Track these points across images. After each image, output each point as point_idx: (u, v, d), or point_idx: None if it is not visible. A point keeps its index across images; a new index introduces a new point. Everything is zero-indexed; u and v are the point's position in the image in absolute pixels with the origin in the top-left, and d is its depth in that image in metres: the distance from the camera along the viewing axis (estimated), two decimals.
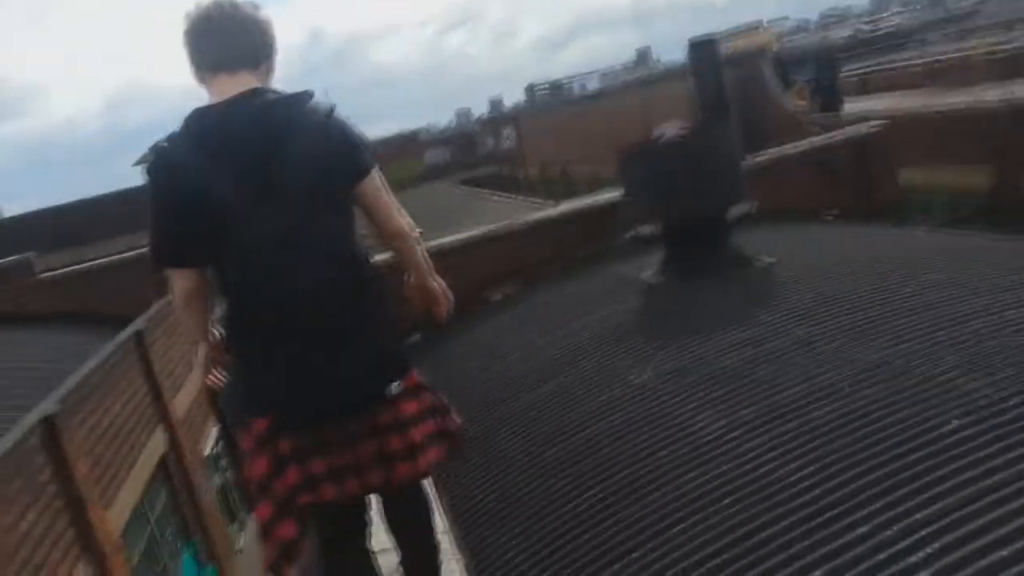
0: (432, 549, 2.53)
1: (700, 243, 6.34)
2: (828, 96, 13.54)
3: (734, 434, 3.87)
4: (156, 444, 7.30)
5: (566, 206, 9.07)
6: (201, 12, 2.11)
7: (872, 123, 8.87)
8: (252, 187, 1.96)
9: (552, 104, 48.63)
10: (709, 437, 3.93)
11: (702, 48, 14.57)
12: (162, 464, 7.38)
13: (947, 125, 10.26)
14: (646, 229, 6.67)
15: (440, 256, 8.24)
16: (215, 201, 1.95)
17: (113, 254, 11.79)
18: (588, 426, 4.52)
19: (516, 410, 5.18)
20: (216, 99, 2.07)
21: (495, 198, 21.66)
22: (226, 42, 2.08)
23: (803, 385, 4.08)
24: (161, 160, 2.04)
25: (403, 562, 2.52)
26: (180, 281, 2.12)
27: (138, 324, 7.78)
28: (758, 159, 8.08)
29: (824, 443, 3.55)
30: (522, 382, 5.54)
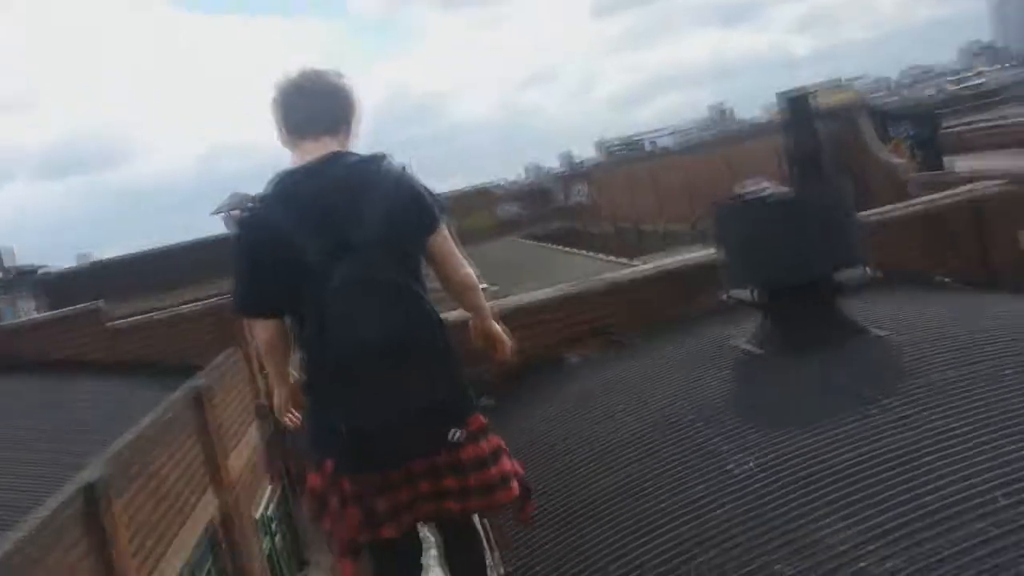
0: None
1: (805, 310, 5.66)
2: (928, 153, 12.67)
3: (869, 548, 3.18)
4: (205, 508, 6.88)
5: (649, 265, 8.46)
6: (290, 81, 2.31)
7: (991, 183, 8.06)
8: (331, 243, 2.09)
9: (626, 159, 48.15)
10: (836, 550, 3.24)
11: (795, 101, 13.98)
12: (210, 529, 6.94)
13: None
14: (742, 292, 6.01)
15: (516, 315, 7.75)
16: (297, 256, 2.10)
17: (184, 303, 11.68)
18: (680, 522, 3.87)
19: (595, 495, 4.56)
20: (300, 161, 2.26)
21: (568, 254, 21.16)
22: (311, 110, 2.27)
23: (945, 491, 3.37)
24: (251, 218, 2.22)
25: None
26: (261, 330, 2.31)
27: (196, 380, 7.44)
28: (865, 217, 7.35)
29: (983, 569, 2.85)
30: (601, 461, 4.92)
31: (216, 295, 11.96)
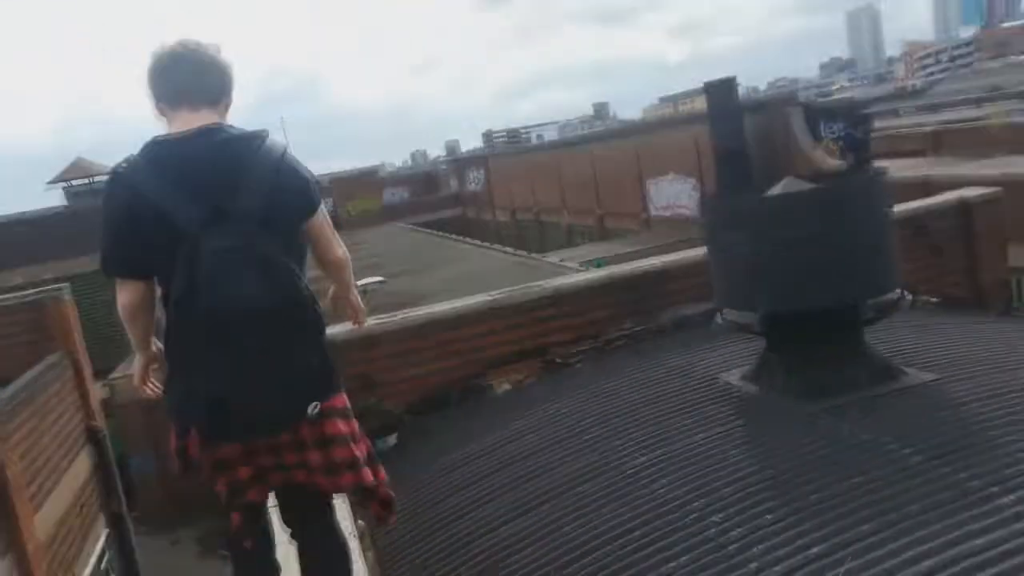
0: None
1: (824, 341, 4.34)
2: (860, 155, 11.91)
3: None
4: None
5: (596, 272, 7.00)
6: (168, 51, 2.30)
7: (980, 189, 7.10)
8: (205, 212, 2.11)
9: (523, 148, 46.51)
10: None
11: (720, 89, 12.92)
12: None
13: None
14: (740, 314, 4.63)
15: (428, 329, 6.09)
16: (168, 221, 2.10)
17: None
18: None
19: None
20: (176, 131, 2.25)
21: (468, 245, 19.52)
22: (190, 80, 2.27)
23: None
24: (119, 180, 2.20)
25: None
26: (127, 292, 2.29)
27: None
28: None
29: None
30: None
31: (39, 284, 9.66)
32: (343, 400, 2.40)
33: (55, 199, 24.62)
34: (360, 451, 2.41)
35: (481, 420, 5.38)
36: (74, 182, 23.54)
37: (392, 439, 5.59)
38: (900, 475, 3.29)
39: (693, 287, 6.11)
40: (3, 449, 5.23)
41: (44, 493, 6.00)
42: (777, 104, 12.92)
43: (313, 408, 2.22)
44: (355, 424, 2.44)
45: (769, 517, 3.23)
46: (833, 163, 11.59)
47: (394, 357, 5.76)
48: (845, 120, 12.15)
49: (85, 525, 6.81)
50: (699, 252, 6.77)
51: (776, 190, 4.37)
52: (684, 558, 3.14)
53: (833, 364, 4.30)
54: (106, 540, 7.37)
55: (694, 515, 3.39)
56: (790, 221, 4.18)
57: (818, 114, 12.26)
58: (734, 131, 12.65)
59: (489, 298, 6.03)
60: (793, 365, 4.40)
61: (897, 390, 4.16)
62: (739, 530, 3.19)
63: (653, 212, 18.32)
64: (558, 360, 5.94)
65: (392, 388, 5.74)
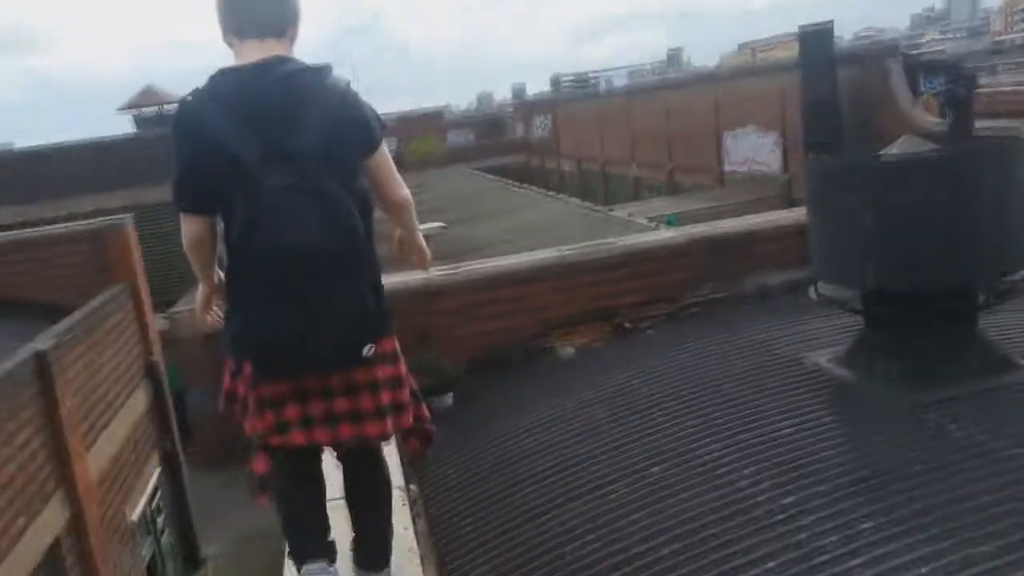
0: (385, 525, 2.54)
1: (932, 325, 3.89)
2: (960, 114, 11.01)
3: None
4: (45, 525, 4.87)
5: (674, 231, 6.57)
6: None
7: None
8: (267, 147, 2.09)
9: (592, 94, 45.18)
10: None
11: (814, 38, 12.06)
12: (53, 553, 4.95)
13: None
14: (837, 290, 4.19)
15: (491, 285, 5.80)
16: (230, 157, 2.09)
17: (62, 219, 9.33)
18: None
19: None
20: (242, 62, 2.22)
21: (531, 193, 19.07)
22: (258, 11, 2.25)
23: None
24: (184, 112, 2.19)
25: (355, 537, 2.52)
26: (190, 226, 2.28)
27: (41, 341, 5.28)
28: None
29: None
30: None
31: (106, 212, 9.65)
32: (394, 343, 2.41)
33: (125, 126, 24.96)
34: (407, 394, 2.43)
35: (544, 385, 5.10)
36: (144, 109, 23.80)
37: (448, 398, 5.36)
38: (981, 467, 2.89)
39: (779, 252, 5.68)
40: (58, 385, 5.16)
41: (98, 429, 5.96)
42: (875, 56, 11.99)
43: (368, 350, 2.22)
44: (403, 365, 2.45)
45: (867, 526, 2.88)
46: (932, 120, 10.74)
47: (455, 312, 5.49)
48: (947, 75, 11.24)
49: (139, 462, 6.81)
50: (787, 214, 6.30)
51: (893, 149, 3.87)
52: (769, 564, 2.82)
53: (942, 351, 3.86)
54: (158, 478, 7.39)
55: (781, 515, 3.05)
56: (911, 187, 3.70)
57: (918, 68, 11.36)
58: (827, 83, 11.81)
59: (558, 254, 5.68)
60: (896, 350, 3.97)
61: (1014, 385, 3.71)
62: (833, 538, 2.85)
63: (728, 167, 17.54)
64: (627, 325, 5.59)
65: (451, 345, 5.47)
